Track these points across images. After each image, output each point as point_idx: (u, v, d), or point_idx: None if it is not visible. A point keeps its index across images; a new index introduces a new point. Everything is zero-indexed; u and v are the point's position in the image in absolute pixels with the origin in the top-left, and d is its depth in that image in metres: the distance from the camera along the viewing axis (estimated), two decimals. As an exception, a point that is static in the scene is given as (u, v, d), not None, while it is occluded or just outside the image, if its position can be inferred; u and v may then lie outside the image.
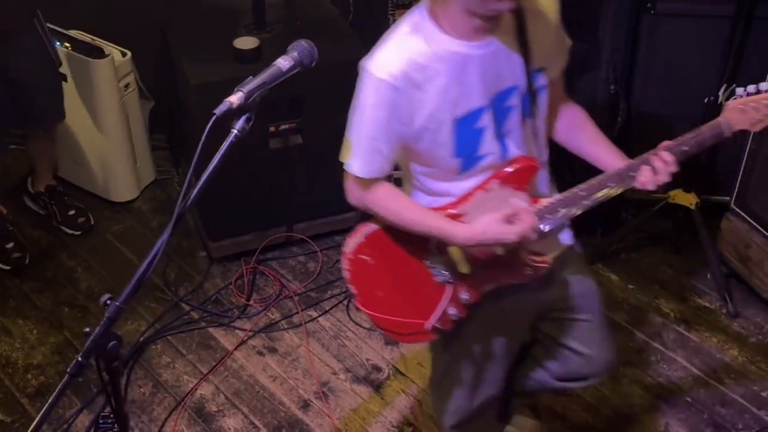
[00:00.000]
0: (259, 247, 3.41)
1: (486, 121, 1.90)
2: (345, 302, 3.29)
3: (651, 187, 1.97)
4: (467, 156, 1.93)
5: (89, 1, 3.66)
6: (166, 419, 2.84)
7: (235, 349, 3.08)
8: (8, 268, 3.36)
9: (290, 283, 3.36)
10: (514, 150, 1.97)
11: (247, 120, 1.55)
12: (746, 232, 3.27)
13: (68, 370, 1.45)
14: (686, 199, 3.38)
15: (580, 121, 2.13)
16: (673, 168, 1.95)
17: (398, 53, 1.80)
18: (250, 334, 3.14)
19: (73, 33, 3.48)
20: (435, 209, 2.01)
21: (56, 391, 1.48)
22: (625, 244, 3.56)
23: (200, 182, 1.55)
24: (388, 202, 1.99)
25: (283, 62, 1.63)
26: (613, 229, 3.57)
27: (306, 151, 3.30)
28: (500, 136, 1.94)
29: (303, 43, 1.64)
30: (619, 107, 3.32)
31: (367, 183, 1.96)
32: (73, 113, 3.46)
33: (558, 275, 2.17)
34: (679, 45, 3.25)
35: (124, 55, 3.50)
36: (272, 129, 3.20)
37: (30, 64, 3.09)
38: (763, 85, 1.94)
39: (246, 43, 3.10)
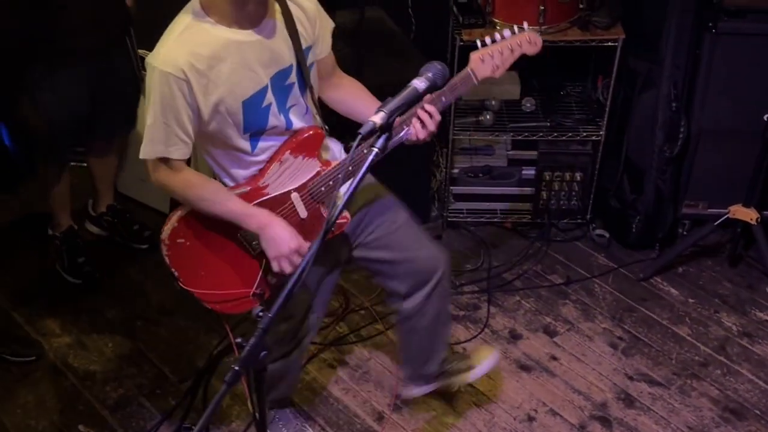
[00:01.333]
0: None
1: (270, 98, 2.13)
2: (410, 316, 3.33)
3: (422, 136, 2.20)
4: (255, 132, 2.16)
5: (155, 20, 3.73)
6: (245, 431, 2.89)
7: (307, 362, 3.13)
8: (80, 282, 3.42)
9: (355, 297, 3.42)
10: (297, 122, 2.21)
11: (386, 139, 1.61)
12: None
13: (226, 379, 1.50)
14: (746, 214, 3.42)
15: (355, 90, 2.42)
16: (437, 117, 2.18)
17: (181, 47, 2.00)
18: (321, 347, 3.19)
19: (141, 52, 3.55)
20: (238, 186, 2.23)
21: (213, 401, 1.52)
22: (684, 259, 3.61)
23: (344, 198, 1.60)
24: (190, 188, 2.18)
25: (419, 83, 1.70)
26: (671, 244, 3.62)
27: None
28: (284, 111, 2.18)
29: (436, 65, 1.72)
30: (680, 124, 3.38)
31: (168, 165, 2.12)
32: (142, 129, 3.52)
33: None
34: (739, 63, 3.30)
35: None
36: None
37: (119, 82, 3.17)
38: (497, 36, 2.29)
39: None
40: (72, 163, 3.95)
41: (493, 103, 3.67)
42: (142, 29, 3.23)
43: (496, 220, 3.79)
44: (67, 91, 3.03)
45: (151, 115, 2.06)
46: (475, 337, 3.27)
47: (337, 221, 2.12)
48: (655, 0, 3.34)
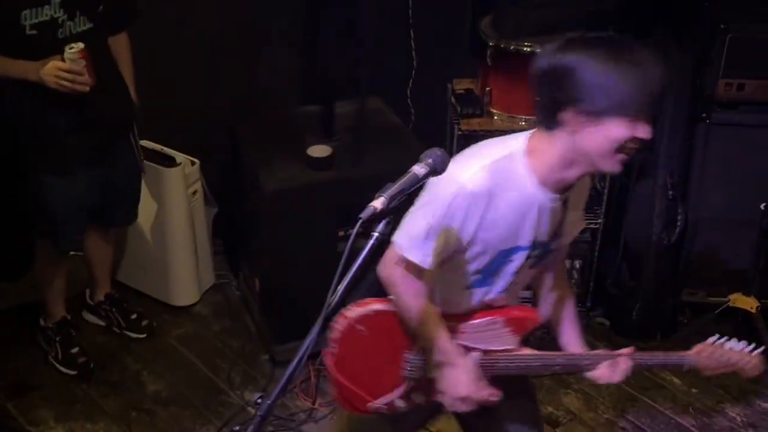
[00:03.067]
0: (323, 350, 3.42)
1: (517, 259, 2.01)
2: (410, 406, 3.28)
3: (602, 382, 2.13)
4: (484, 279, 2.04)
5: (155, 109, 3.79)
6: None
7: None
8: (74, 372, 3.38)
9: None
10: (512, 289, 2.10)
11: (387, 224, 1.61)
12: None
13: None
14: (747, 302, 3.42)
15: (567, 298, 2.28)
16: (628, 374, 2.12)
17: (489, 172, 1.88)
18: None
19: (144, 143, 3.60)
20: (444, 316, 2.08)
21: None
22: (685, 348, 3.57)
23: (343, 284, 1.59)
24: (417, 298, 2.03)
25: (419, 169, 1.71)
26: (672, 333, 3.59)
27: (373, 254, 3.36)
28: (514, 274, 2.06)
29: (437, 151, 1.73)
30: (678, 212, 3.40)
31: (413, 269, 1.99)
32: (142, 218, 3.55)
33: (498, 413, 2.21)
34: (733, 153, 3.35)
35: (193, 163, 3.61)
36: (341, 233, 3.28)
37: (124, 175, 3.21)
38: (731, 344, 2.17)
39: (320, 151, 3.21)
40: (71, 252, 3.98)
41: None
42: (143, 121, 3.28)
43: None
44: (78, 184, 3.07)
45: (425, 215, 1.92)
46: (475, 427, 3.21)
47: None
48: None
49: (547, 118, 1.85)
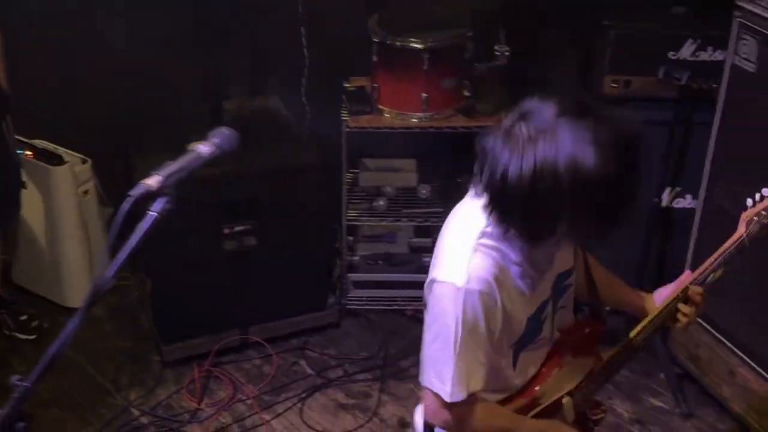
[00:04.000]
0: (213, 350, 3.40)
1: (548, 309, 1.89)
2: (299, 405, 3.26)
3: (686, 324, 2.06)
4: (523, 344, 1.88)
5: (53, 112, 3.74)
6: None
7: (184, 454, 3.03)
8: (-44, 375, 3.31)
9: (244, 387, 3.33)
10: (561, 322, 1.97)
11: (167, 202, 1.57)
12: (696, 332, 3.31)
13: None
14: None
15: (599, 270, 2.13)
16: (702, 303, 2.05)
17: (481, 261, 1.70)
18: (202, 439, 3.10)
19: (36, 142, 3.55)
20: (513, 399, 1.92)
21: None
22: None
23: (117, 260, 1.54)
24: (489, 418, 1.86)
25: (204, 148, 1.67)
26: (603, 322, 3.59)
27: (261, 253, 3.34)
28: (553, 315, 1.93)
29: (224, 131, 1.70)
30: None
31: (465, 404, 1.78)
32: (33, 219, 3.50)
33: None
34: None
35: (84, 162, 3.56)
36: (227, 231, 3.25)
37: None
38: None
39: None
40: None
41: (389, 189, 3.69)
42: (18, 115, 3.22)
43: (395, 307, 3.75)
44: None
45: (446, 346, 1.72)
46: (362, 426, 3.19)
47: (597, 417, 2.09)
48: (540, 87, 3.41)
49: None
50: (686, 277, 2.08)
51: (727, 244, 2.05)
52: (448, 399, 1.75)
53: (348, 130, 3.33)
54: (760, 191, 2.07)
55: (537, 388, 1.95)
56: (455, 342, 1.70)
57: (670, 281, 2.15)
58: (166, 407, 3.23)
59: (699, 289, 2.04)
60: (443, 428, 1.87)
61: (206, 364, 3.37)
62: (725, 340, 3.19)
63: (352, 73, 3.55)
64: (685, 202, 3.44)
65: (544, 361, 1.97)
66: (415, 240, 3.83)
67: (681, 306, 2.05)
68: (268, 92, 3.67)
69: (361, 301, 3.73)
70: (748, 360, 3.10)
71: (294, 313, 3.54)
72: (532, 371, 1.96)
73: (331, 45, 3.58)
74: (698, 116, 3.27)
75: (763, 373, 3.03)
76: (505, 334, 1.80)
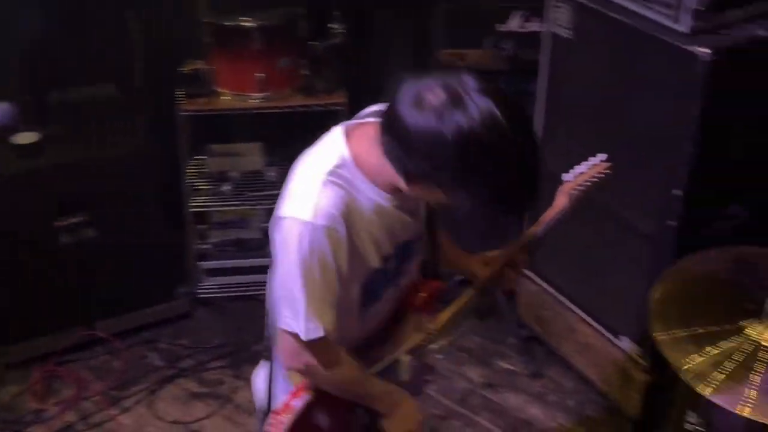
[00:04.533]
0: (57, 349, 3.28)
1: (394, 266, 1.87)
2: (149, 397, 3.20)
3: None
4: (369, 297, 1.87)
5: None
6: None
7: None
8: None
9: (91, 384, 3.24)
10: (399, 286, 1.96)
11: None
12: (540, 294, 3.42)
13: None
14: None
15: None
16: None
17: (332, 198, 1.67)
18: (47, 439, 2.99)
19: None
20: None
21: None
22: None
23: None
24: (338, 367, 1.82)
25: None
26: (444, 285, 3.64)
27: (101, 245, 3.25)
28: (397, 277, 1.92)
29: (2, 105, 1.63)
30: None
31: (316, 347, 1.76)
32: None
33: None
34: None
35: None
36: (60, 224, 3.13)
37: None
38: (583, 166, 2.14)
39: (25, 138, 3.06)
40: None
41: (234, 174, 3.65)
42: None
43: (250, 293, 3.71)
44: None
45: (294, 283, 1.69)
46: (215, 413, 3.15)
47: None
48: (378, 64, 3.46)
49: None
50: (513, 246, 2.13)
51: (549, 215, 2.12)
52: (303, 336, 1.72)
53: (184, 113, 3.27)
54: (584, 162, 2.15)
55: (378, 344, 1.96)
56: (304, 278, 1.68)
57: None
58: (9, 409, 3.11)
59: (524, 255, 2.11)
60: (300, 371, 1.84)
61: (49, 364, 3.26)
62: (565, 301, 3.31)
63: (189, 56, 3.49)
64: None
65: (387, 318, 1.98)
66: (267, 224, 3.79)
67: (508, 270, 2.12)
68: (100, 80, 3.56)
69: (213, 289, 3.68)
70: (586, 318, 3.22)
71: (142, 305, 3.46)
72: (373, 327, 1.95)
73: (164, 28, 3.49)
74: (532, 87, 3.37)
75: (600, 328, 3.16)
76: (353, 276, 1.77)
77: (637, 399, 3.06)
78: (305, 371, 1.82)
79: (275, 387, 1.98)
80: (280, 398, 1.93)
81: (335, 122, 3.29)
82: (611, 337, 3.13)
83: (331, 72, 3.39)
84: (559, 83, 3.07)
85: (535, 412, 3.20)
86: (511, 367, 3.42)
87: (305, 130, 3.55)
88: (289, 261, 1.68)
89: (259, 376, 2.03)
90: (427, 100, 1.53)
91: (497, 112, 1.51)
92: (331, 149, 1.72)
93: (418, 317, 2.01)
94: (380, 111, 1.69)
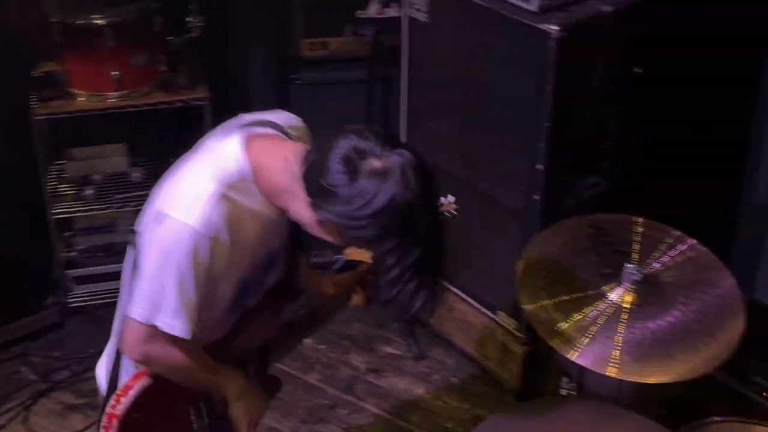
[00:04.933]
0: None
1: (260, 273, 1.92)
2: (23, 413, 3.07)
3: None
4: (240, 300, 1.92)
5: None
6: None
7: None
8: None
9: None
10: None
11: None
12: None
13: None
14: (362, 254, 3.50)
15: None
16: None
17: (224, 213, 1.71)
18: None
19: None
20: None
21: None
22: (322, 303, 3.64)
23: None
24: (186, 360, 1.85)
25: None
26: (301, 293, 3.63)
27: None
28: (262, 284, 1.97)
29: None
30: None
31: (168, 339, 1.79)
32: None
33: None
34: (326, 110, 3.42)
35: None
36: None
37: None
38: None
39: None
40: None
41: (96, 177, 3.53)
42: None
43: (124, 298, 3.60)
44: None
45: (163, 277, 1.71)
46: (93, 424, 3.05)
47: None
48: (240, 56, 3.41)
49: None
50: (362, 267, 2.28)
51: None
52: (167, 330, 1.75)
53: (39, 118, 3.14)
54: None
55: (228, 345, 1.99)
56: (179, 279, 1.71)
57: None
58: None
59: (372, 277, 2.24)
60: (141, 361, 1.85)
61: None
62: (444, 282, 3.35)
63: (41, 58, 3.35)
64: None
65: (239, 322, 1.99)
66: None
67: (358, 290, 2.28)
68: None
69: (85, 297, 3.55)
70: (463, 296, 3.29)
71: (10, 318, 3.32)
72: (224, 330, 1.99)
73: (12, 30, 3.33)
74: (395, 71, 3.39)
75: (478, 306, 3.23)
76: (227, 283, 1.83)
77: (516, 371, 3.15)
78: (147, 360, 1.84)
79: (121, 373, 1.97)
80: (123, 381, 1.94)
81: (199, 118, 3.31)
82: (489, 313, 3.20)
83: (190, 67, 3.32)
84: (421, 67, 3.10)
85: (420, 392, 3.24)
86: (395, 351, 3.45)
87: (169, 128, 3.53)
88: (166, 259, 1.71)
89: (100, 366, 2.07)
90: (362, 165, 1.58)
91: (419, 182, 1.60)
92: (230, 159, 1.73)
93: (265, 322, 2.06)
94: (277, 124, 1.83)
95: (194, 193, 1.70)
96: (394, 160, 1.60)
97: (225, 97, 3.37)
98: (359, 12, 3.31)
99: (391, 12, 3.30)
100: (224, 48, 3.46)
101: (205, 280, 1.75)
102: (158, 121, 3.46)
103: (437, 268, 1.71)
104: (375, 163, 1.59)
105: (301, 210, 1.69)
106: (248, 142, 1.76)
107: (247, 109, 3.36)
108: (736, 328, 2.06)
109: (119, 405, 1.86)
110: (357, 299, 2.26)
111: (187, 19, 3.28)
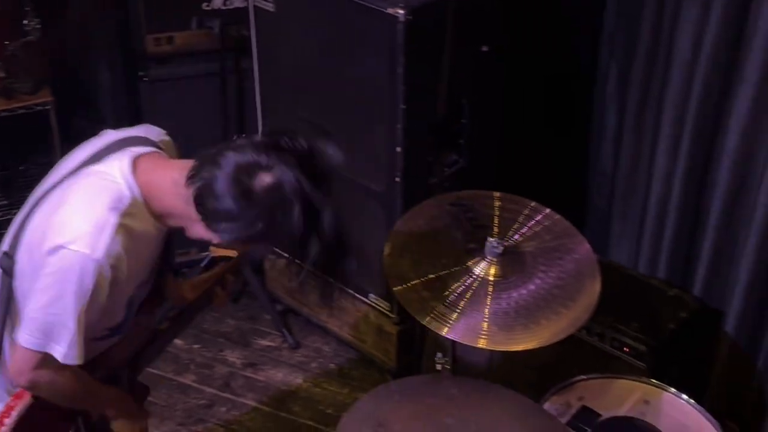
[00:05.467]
0: None
1: (144, 290, 1.94)
2: None
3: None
4: (123, 325, 1.94)
5: None
6: None
7: None
8: None
9: None
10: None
11: None
12: (288, 267, 3.44)
13: None
14: (228, 249, 3.48)
15: None
16: None
17: (122, 242, 1.71)
18: None
19: None
20: None
21: None
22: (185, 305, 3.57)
23: None
24: (74, 384, 1.85)
25: None
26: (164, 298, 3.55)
27: None
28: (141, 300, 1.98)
29: None
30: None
31: (58, 365, 1.78)
32: None
33: None
34: (175, 106, 3.35)
35: None
36: None
37: None
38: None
39: None
40: None
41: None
42: None
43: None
44: None
45: (55, 304, 1.71)
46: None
47: None
48: (84, 58, 3.28)
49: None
50: (221, 268, 2.28)
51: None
52: (62, 360, 1.76)
53: None
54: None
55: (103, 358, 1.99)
56: (79, 309, 1.71)
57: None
58: None
59: (232, 276, 2.27)
60: (28, 387, 1.83)
61: None
62: (314, 270, 3.35)
63: None
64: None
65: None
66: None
67: (218, 290, 2.26)
68: None
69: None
70: (335, 282, 3.29)
71: None
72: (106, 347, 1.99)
73: None
74: (246, 63, 3.35)
75: (350, 291, 3.25)
76: (120, 307, 1.87)
77: (393, 351, 3.20)
78: (34, 386, 1.82)
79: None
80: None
81: (46, 124, 3.18)
82: (361, 297, 3.23)
83: (30, 71, 3.17)
84: (272, 56, 3.08)
85: (299, 382, 3.25)
86: (271, 344, 3.44)
87: (13, 137, 3.36)
88: (65, 290, 1.70)
89: None
90: (252, 184, 1.63)
91: (311, 183, 1.66)
92: (121, 185, 1.74)
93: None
94: (151, 140, 1.86)
95: (91, 223, 1.70)
96: (282, 170, 1.63)
97: (73, 101, 3.25)
98: (204, 4, 3.25)
99: (237, 2, 3.25)
100: (64, 49, 3.33)
101: (103, 306, 1.76)
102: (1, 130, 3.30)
103: (337, 260, 1.82)
104: (265, 179, 1.63)
105: (200, 232, 1.73)
106: (135, 165, 1.75)
107: (98, 111, 3.32)
108: (593, 289, 2.16)
109: (3, 427, 1.83)
110: (218, 299, 2.26)
111: (23, 21, 3.13)
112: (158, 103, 3.32)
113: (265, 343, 3.44)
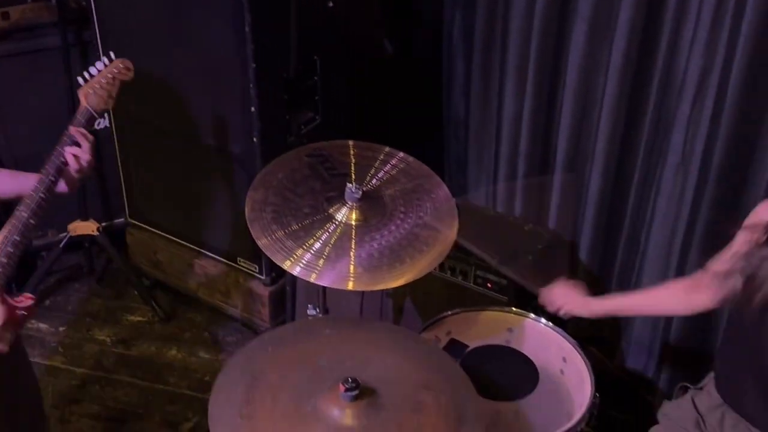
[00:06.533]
0: None
1: None
2: None
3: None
4: None
5: None
6: None
7: None
8: None
9: None
10: None
11: None
12: (151, 241, 3.40)
13: None
14: (87, 227, 3.40)
15: None
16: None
17: None
18: None
19: None
20: None
21: None
22: (50, 291, 3.47)
23: None
24: None
25: None
26: (27, 280, 3.44)
27: None
28: None
29: None
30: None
31: None
32: None
33: None
34: (26, 84, 3.23)
35: None
36: None
37: None
38: (95, 68, 2.21)
39: None
40: None
41: None
42: None
43: None
44: None
45: None
46: None
47: None
48: None
49: None
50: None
51: (75, 122, 2.12)
52: None
53: None
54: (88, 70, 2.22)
55: None
56: None
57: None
58: None
59: (83, 130, 2.09)
60: None
61: None
62: (176, 239, 3.33)
63: None
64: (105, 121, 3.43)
65: None
66: None
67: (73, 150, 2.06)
68: None
69: None
70: (200, 250, 3.28)
71: None
72: None
73: None
74: (88, 35, 3.25)
75: (216, 256, 3.25)
76: None
77: (265, 312, 3.22)
78: None
79: None
80: None
81: None
82: (227, 261, 3.23)
83: None
84: (114, 26, 3.02)
85: (173, 353, 3.22)
86: (141, 318, 3.39)
87: None
88: None
89: None
90: None
91: None
92: None
93: None
94: None
95: None
96: None
97: None
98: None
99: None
100: None
101: None
102: None
103: None
104: None
105: None
106: None
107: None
108: (452, 227, 2.25)
109: None
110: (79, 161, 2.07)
111: None
112: (3, 81, 3.19)
113: (134, 318, 3.39)
